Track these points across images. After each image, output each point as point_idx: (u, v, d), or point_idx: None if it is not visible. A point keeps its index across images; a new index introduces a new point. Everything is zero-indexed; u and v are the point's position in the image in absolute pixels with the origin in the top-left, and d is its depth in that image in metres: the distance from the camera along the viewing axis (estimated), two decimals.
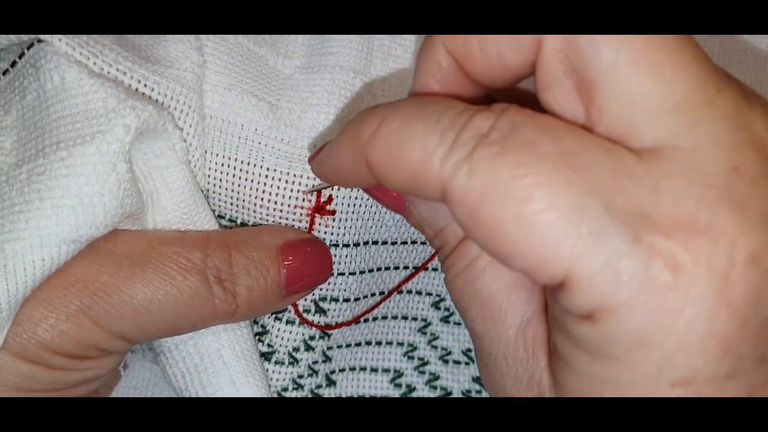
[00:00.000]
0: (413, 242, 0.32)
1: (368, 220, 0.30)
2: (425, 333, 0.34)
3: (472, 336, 0.23)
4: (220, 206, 0.29)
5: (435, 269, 0.33)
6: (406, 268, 0.33)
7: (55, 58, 0.25)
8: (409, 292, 0.33)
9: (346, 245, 0.30)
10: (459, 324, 0.34)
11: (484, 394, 0.34)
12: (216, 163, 0.29)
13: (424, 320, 0.34)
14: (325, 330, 0.31)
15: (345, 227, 0.30)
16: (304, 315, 0.31)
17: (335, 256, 0.30)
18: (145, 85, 0.26)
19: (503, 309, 0.22)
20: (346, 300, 0.31)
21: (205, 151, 0.29)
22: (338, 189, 0.29)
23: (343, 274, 0.31)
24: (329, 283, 0.31)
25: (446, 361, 0.34)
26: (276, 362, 0.31)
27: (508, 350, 0.22)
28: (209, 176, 0.29)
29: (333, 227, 0.30)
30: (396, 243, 0.32)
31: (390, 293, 0.33)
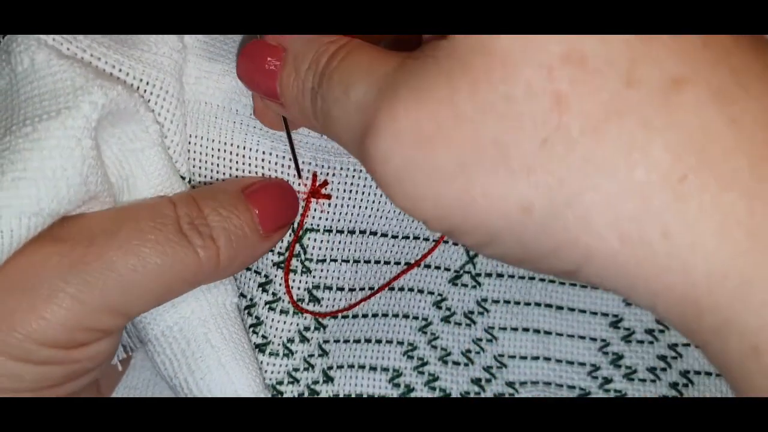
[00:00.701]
0: (416, 237, 0.32)
1: (365, 208, 0.30)
2: (425, 332, 0.33)
3: None
4: None
5: (437, 267, 0.33)
6: (407, 264, 0.32)
7: (25, 41, 0.25)
8: (411, 290, 0.33)
9: (341, 231, 0.30)
10: (459, 324, 0.34)
11: (483, 396, 0.34)
12: (212, 149, 0.29)
13: (425, 319, 0.33)
14: (319, 317, 0.31)
15: (340, 213, 0.30)
16: (299, 304, 0.31)
17: (329, 242, 0.30)
18: (120, 70, 0.27)
19: None
20: (340, 289, 0.31)
21: (201, 137, 0.29)
22: (333, 174, 0.30)
23: (336, 260, 0.31)
24: (322, 270, 0.31)
25: (446, 362, 0.34)
26: (270, 354, 0.31)
27: None
28: (206, 162, 0.29)
29: (328, 212, 0.30)
30: (397, 237, 0.32)
31: (381, 288, 0.32)
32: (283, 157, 0.29)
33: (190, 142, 0.29)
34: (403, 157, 0.19)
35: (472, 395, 0.34)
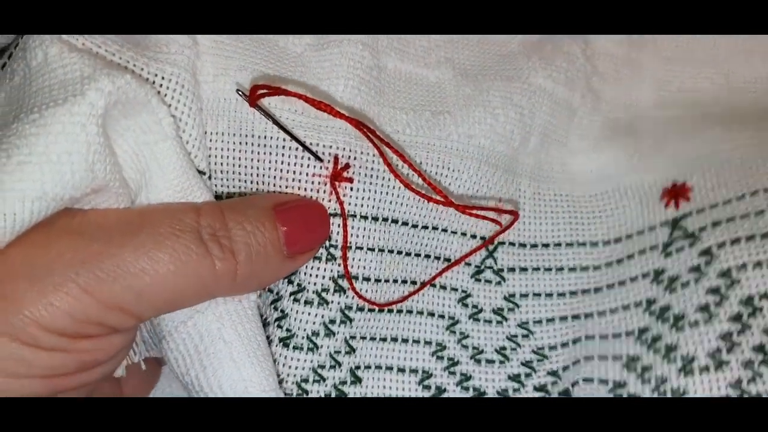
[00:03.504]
0: (434, 228, 0.31)
1: (387, 194, 0.30)
2: (454, 332, 0.32)
3: None
4: (240, 185, 0.30)
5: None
6: (427, 257, 0.32)
7: (41, 37, 0.26)
8: (433, 286, 0.32)
9: (364, 217, 0.30)
10: (490, 322, 0.32)
11: (522, 393, 0.32)
12: (234, 143, 0.29)
13: (452, 318, 0.32)
14: (373, 305, 0.30)
15: (363, 198, 0.30)
16: (323, 294, 0.30)
17: (352, 227, 0.30)
18: (134, 65, 0.27)
19: None
20: (366, 279, 0.30)
21: (222, 133, 0.29)
22: (354, 158, 0.29)
23: (361, 248, 0.30)
24: (348, 258, 0.30)
25: (478, 361, 0.32)
26: (294, 347, 0.29)
27: None
28: (228, 157, 0.29)
29: (351, 196, 0.29)
30: (417, 226, 0.31)
31: (426, 283, 0.31)
32: (302, 142, 0.29)
33: (211, 139, 0.29)
34: None
35: (510, 392, 0.32)
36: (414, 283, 0.32)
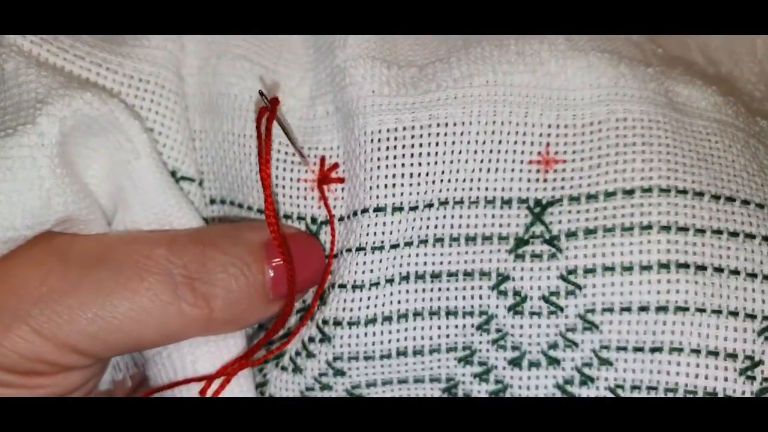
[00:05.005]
0: (428, 206, 0.26)
1: (376, 178, 0.25)
2: (487, 329, 0.26)
3: None
4: (220, 189, 0.27)
5: (487, 238, 0.26)
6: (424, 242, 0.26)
7: None
8: (452, 275, 0.26)
9: (365, 210, 0.26)
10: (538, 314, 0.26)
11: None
12: (218, 142, 0.27)
13: (484, 313, 0.26)
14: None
15: (356, 195, 0.26)
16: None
17: (347, 232, 0.26)
18: (108, 68, 0.25)
19: None
20: (359, 286, 0.26)
21: (207, 131, 0.27)
22: (345, 154, 0.26)
23: (350, 250, 0.26)
24: (342, 265, 0.26)
25: (518, 364, 0.26)
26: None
27: None
28: (214, 157, 0.27)
29: (342, 198, 0.26)
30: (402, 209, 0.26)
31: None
32: (286, 144, 0.26)
33: (201, 138, 0.27)
34: None
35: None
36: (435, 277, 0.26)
